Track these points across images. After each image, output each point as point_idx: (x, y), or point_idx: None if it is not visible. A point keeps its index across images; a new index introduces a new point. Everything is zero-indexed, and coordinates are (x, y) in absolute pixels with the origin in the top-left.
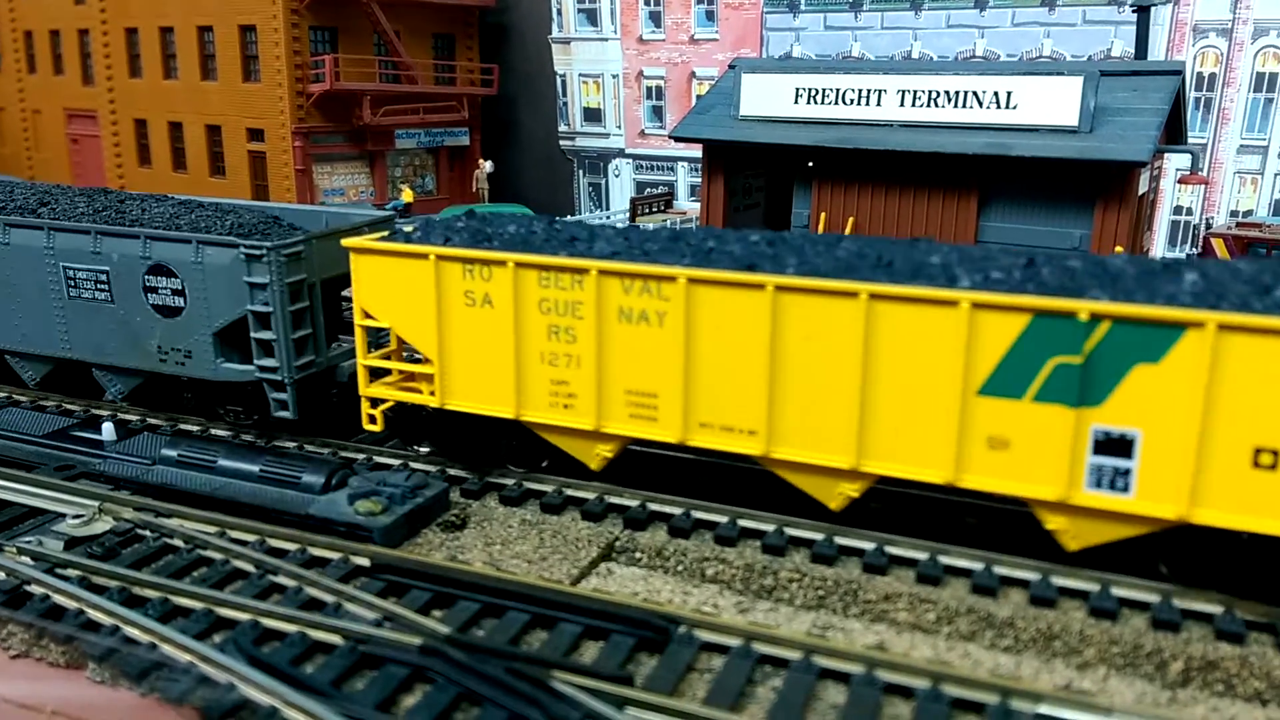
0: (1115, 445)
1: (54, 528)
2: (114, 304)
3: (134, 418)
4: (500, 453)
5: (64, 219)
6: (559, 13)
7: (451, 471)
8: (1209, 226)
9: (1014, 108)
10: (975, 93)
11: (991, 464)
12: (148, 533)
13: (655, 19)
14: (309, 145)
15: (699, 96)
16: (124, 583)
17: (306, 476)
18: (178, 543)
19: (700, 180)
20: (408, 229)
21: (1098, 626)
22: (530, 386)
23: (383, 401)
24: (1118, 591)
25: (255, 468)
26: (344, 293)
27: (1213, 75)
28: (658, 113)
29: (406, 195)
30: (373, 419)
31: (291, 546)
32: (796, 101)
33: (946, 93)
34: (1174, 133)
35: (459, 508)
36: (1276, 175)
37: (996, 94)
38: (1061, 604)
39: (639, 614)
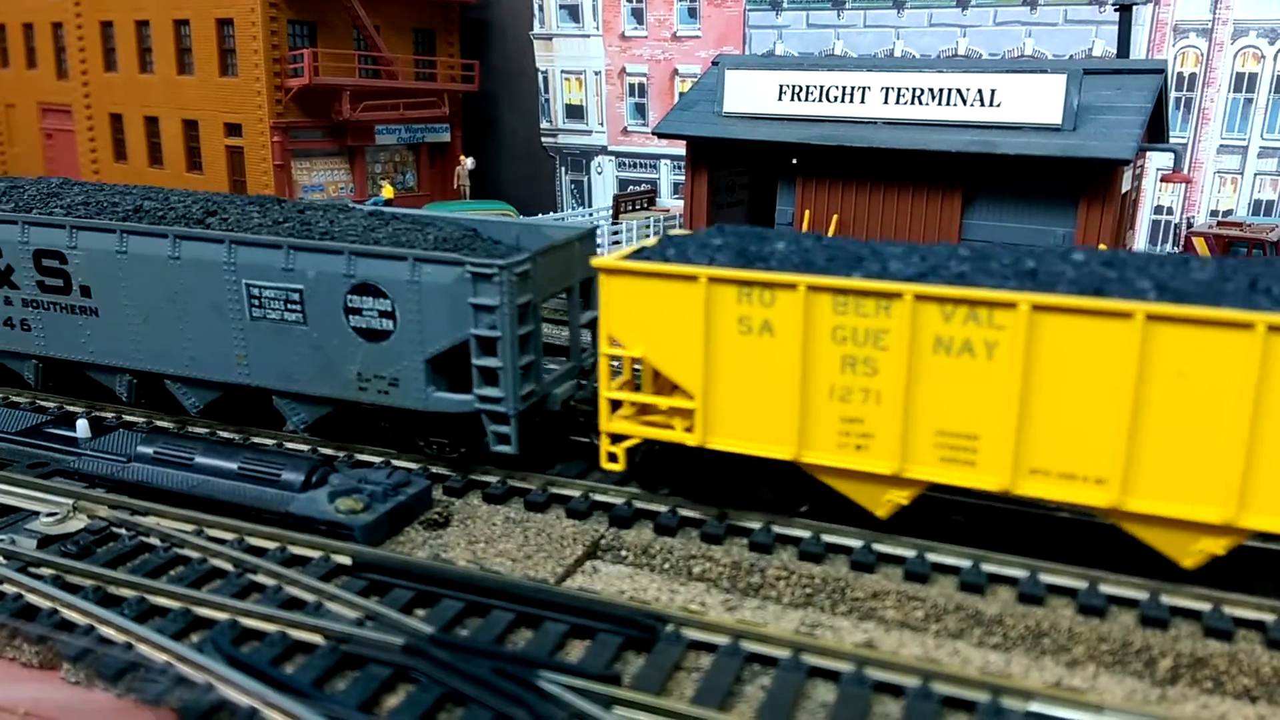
0: None
1: (27, 526)
2: (307, 326)
3: (109, 415)
4: (757, 497)
5: (239, 231)
6: (540, 9)
7: (434, 469)
8: (1190, 226)
9: (998, 105)
10: (959, 90)
11: None
12: (123, 531)
13: (637, 15)
14: (288, 140)
15: (682, 93)
16: (99, 582)
17: (286, 474)
18: (154, 541)
19: (684, 177)
20: (649, 242)
21: (1086, 624)
22: (815, 425)
23: (623, 438)
24: (1106, 589)
25: (233, 465)
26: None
27: (1193, 75)
28: (640, 110)
29: (387, 191)
30: (613, 457)
31: (271, 545)
32: (780, 98)
33: (930, 90)
34: (1156, 131)
35: (442, 505)
36: (1256, 175)
37: (980, 92)
38: (1050, 601)
39: (626, 612)
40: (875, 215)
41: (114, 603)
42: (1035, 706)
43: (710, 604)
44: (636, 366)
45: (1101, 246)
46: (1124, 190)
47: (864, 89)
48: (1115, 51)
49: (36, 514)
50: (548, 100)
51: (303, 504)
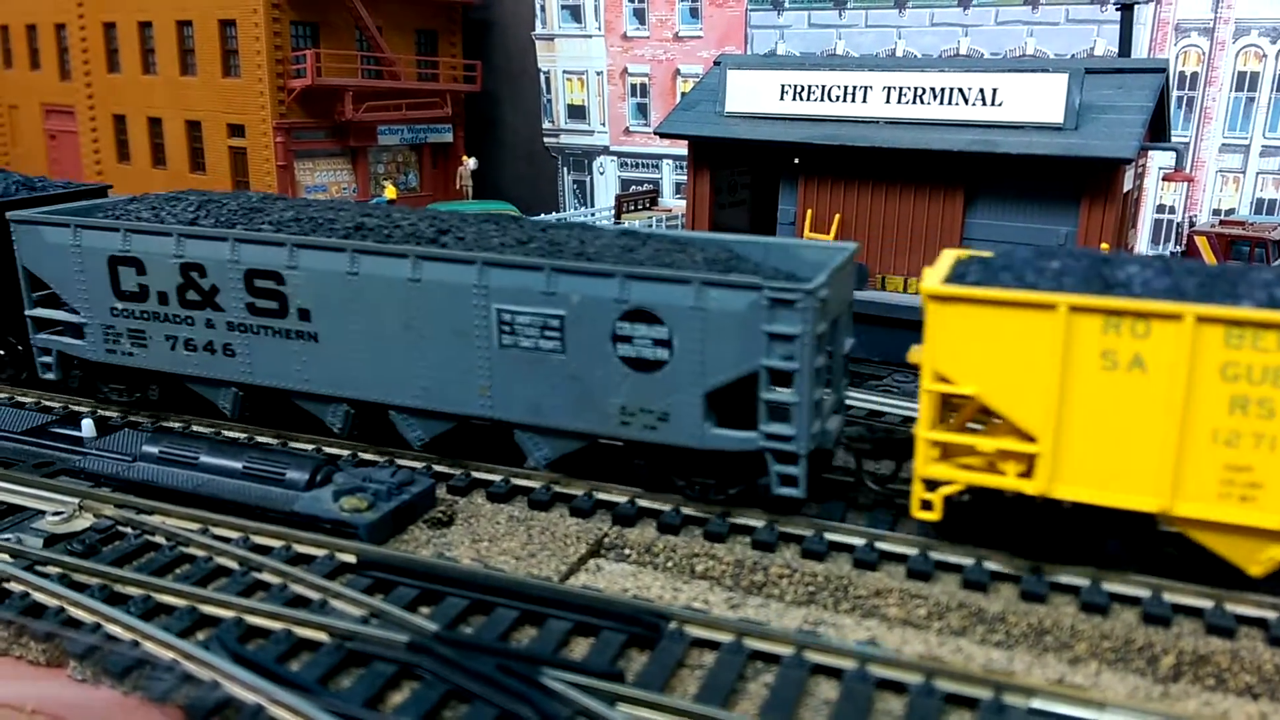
0: None
1: (33, 525)
2: (565, 355)
3: (114, 414)
4: (1100, 551)
5: (479, 250)
6: (542, 9)
7: (438, 468)
8: (1192, 225)
9: (999, 105)
10: (961, 90)
11: None
12: (129, 530)
13: (639, 16)
14: (290, 141)
15: (684, 93)
16: (105, 580)
17: (290, 473)
18: (160, 540)
19: (685, 177)
20: (949, 263)
21: (1089, 621)
22: (1192, 473)
23: (941, 484)
24: (1108, 586)
25: (238, 464)
26: None
27: (1195, 74)
28: (642, 110)
29: (390, 192)
30: (927, 505)
31: (276, 543)
32: (782, 98)
33: (932, 90)
34: (1158, 130)
35: (446, 504)
36: (1258, 174)
37: (982, 91)
38: (1052, 599)
39: (629, 610)
40: (877, 215)
41: (120, 601)
42: (1038, 703)
43: (713, 602)
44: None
45: (1104, 247)
46: (1126, 189)
47: (866, 88)
48: (1117, 51)
49: (43, 513)
50: (550, 100)
51: (307, 503)
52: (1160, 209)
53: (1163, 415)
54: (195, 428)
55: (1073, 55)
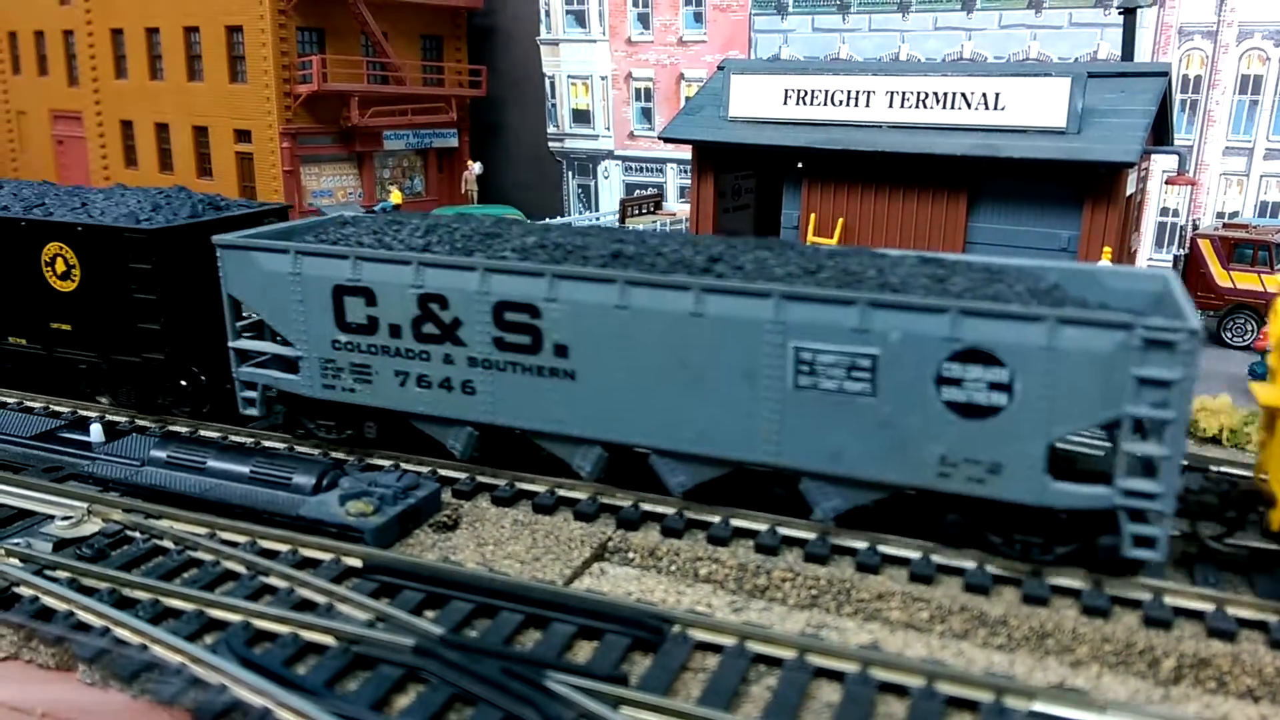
0: None
1: (42, 529)
2: (875, 398)
3: (122, 419)
4: None
5: (765, 279)
6: (547, 14)
7: (443, 472)
8: (1195, 228)
9: (1002, 109)
10: (964, 94)
11: None
12: (137, 534)
13: (644, 21)
14: (296, 146)
15: (688, 98)
16: (114, 584)
17: (297, 477)
18: (168, 544)
19: (690, 182)
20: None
21: (1090, 624)
22: None
23: None
24: (1110, 590)
25: (245, 469)
26: None
27: (1198, 77)
28: (646, 114)
29: (395, 197)
30: None
31: (283, 548)
32: (786, 102)
33: (935, 94)
34: (1161, 134)
35: (451, 508)
36: (1262, 177)
37: (985, 95)
38: (1054, 602)
39: (633, 614)
40: (880, 219)
41: (129, 605)
42: (1039, 706)
43: (717, 605)
44: None
45: (1106, 250)
46: (1129, 193)
47: (869, 93)
48: (1120, 54)
49: (52, 517)
50: (554, 105)
51: (313, 507)
52: (1164, 212)
53: None
54: (202, 432)
55: (1076, 59)
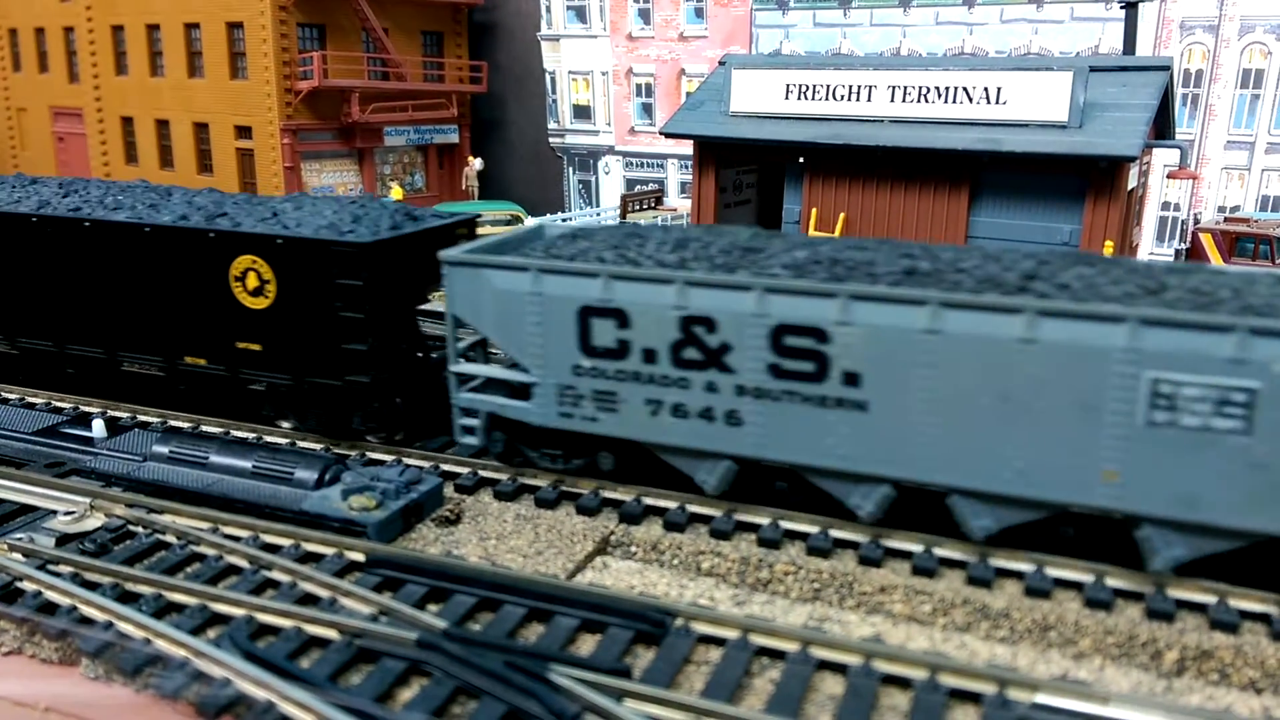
0: None
1: (45, 524)
2: (1250, 437)
3: (124, 415)
4: None
5: (1097, 298)
6: (548, 10)
7: (445, 467)
8: (1197, 222)
9: (1004, 103)
10: (965, 88)
11: None
12: (140, 529)
13: (644, 16)
14: (297, 142)
15: (689, 93)
16: (117, 579)
17: (299, 472)
18: (170, 539)
19: (691, 177)
20: None
21: (1093, 617)
22: None
23: None
24: (1112, 582)
25: (248, 464)
26: None
27: (1200, 71)
28: (647, 110)
29: (396, 193)
30: None
31: (285, 542)
32: (787, 97)
33: (937, 88)
34: (1162, 128)
35: (453, 503)
36: (1264, 171)
37: (986, 89)
38: (1056, 595)
39: (636, 607)
40: (882, 213)
41: (132, 599)
42: (1041, 698)
43: (719, 599)
44: None
45: (1108, 244)
46: (1130, 187)
47: (870, 87)
48: (1122, 48)
49: (54, 512)
50: (555, 101)
51: (316, 502)
52: (1165, 206)
53: None
54: (204, 427)
55: (1077, 53)
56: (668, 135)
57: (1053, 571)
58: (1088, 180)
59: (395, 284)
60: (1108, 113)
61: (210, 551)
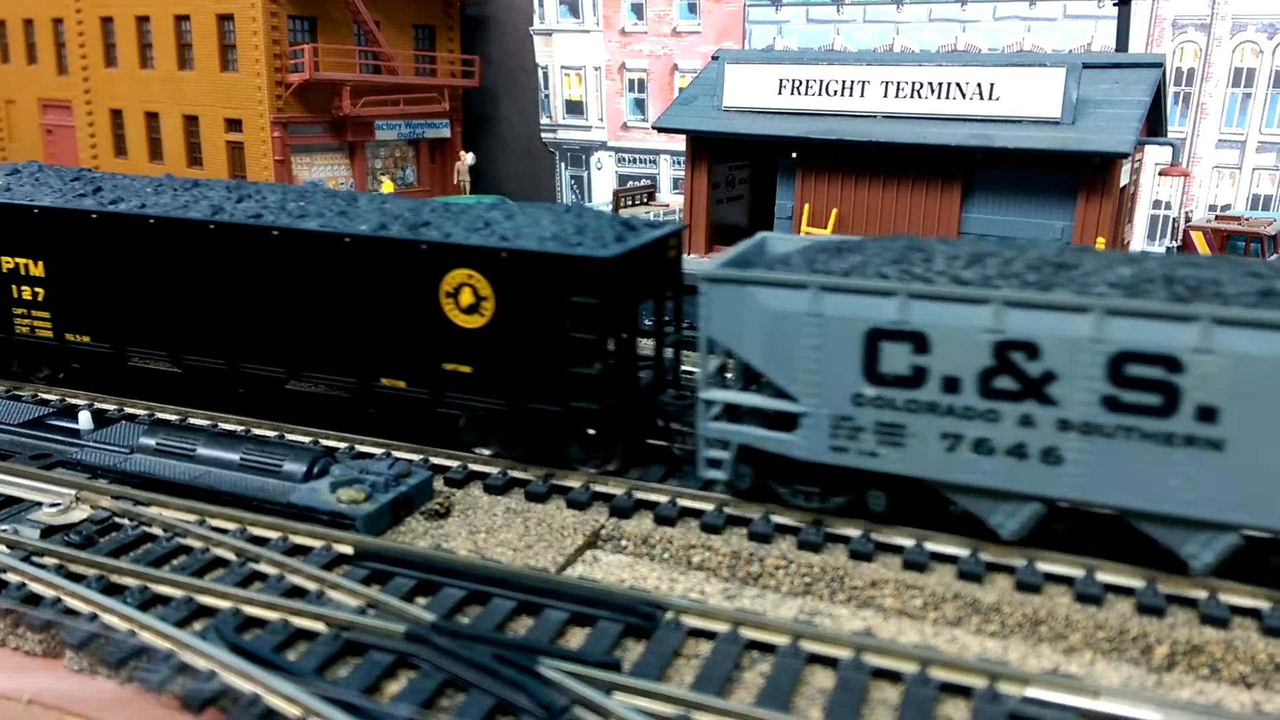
0: None
1: (30, 516)
2: None
3: (110, 407)
4: None
5: None
6: (540, 4)
7: (435, 460)
8: (1188, 220)
9: (997, 99)
10: (958, 84)
11: None
12: (126, 521)
13: (637, 11)
14: (288, 135)
15: (682, 89)
16: (102, 570)
17: (287, 465)
18: (157, 531)
19: (683, 173)
20: None
21: (1083, 611)
22: None
23: None
24: (1103, 577)
25: (235, 456)
26: None
27: (1192, 69)
28: (640, 105)
29: (387, 187)
30: None
31: (273, 534)
32: (780, 93)
33: (930, 84)
34: (1155, 125)
35: (443, 496)
36: (1255, 170)
37: (979, 85)
38: (1047, 589)
39: (625, 600)
40: (875, 208)
41: (117, 591)
42: (1032, 692)
43: (709, 592)
44: None
45: (1099, 240)
46: (1122, 184)
47: (863, 83)
48: (1114, 46)
49: (39, 504)
50: (547, 96)
51: (304, 494)
52: (1156, 204)
53: None
54: (191, 420)
55: (1070, 50)
56: (660, 130)
57: (1043, 566)
58: (1080, 177)
59: (627, 301)
60: (1100, 109)
61: (197, 544)
